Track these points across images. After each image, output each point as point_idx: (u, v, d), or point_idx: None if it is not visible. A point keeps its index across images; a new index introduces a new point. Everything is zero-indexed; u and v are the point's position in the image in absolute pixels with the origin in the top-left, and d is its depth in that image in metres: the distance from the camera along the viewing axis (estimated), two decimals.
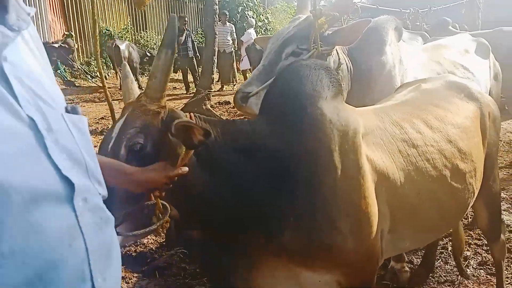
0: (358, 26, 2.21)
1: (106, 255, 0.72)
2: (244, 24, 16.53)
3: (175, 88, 13.71)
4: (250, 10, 17.65)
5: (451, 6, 9.02)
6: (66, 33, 13.08)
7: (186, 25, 11.10)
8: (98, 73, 13.52)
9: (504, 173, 4.79)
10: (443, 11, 7.81)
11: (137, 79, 13.02)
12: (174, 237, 1.51)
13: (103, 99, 11.17)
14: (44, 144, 0.63)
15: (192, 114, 1.43)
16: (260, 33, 16.01)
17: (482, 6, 9.77)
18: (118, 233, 1.14)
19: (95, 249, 0.68)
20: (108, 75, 14.13)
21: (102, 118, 8.47)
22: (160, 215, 1.26)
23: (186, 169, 1.27)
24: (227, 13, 12.19)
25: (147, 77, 12.51)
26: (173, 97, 11.54)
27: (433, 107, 1.97)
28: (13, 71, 0.62)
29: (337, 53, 2.36)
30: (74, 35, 13.57)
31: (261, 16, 17.90)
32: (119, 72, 12.38)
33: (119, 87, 12.45)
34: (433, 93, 2.10)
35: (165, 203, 1.27)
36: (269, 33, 18.73)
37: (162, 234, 1.34)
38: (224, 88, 12.13)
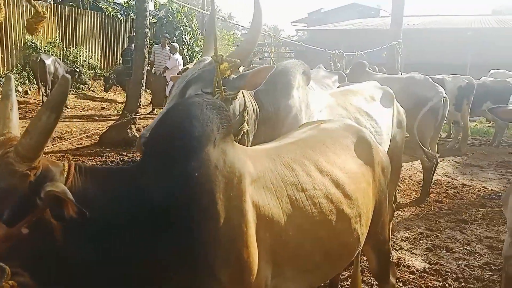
0: (262, 72, 2.23)
1: None
2: (181, 48, 16.48)
3: (103, 108, 13.26)
4: (187, 34, 17.56)
5: (375, 50, 9.61)
6: None
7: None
8: (16, 87, 12.82)
9: (410, 213, 5.05)
10: (369, 54, 8.28)
11: None
12: None
13: (20, 116, 10.50)
14: None
15: (73, 166, 1.33)
16: (197, 58, 15.97)
17: (402, 51, 10.56)
18: None
19: None
20: (30, 90, 13.39)
21: None
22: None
23: (26, 230, 1.15)
24: (168, 36, 12.02)
25: (74, 94, 11.89)
26: (101, 118, 11.13)
27: (326, 148, 2.00)
28: None
29: (243, 96, 2.37)
30: None
31: (198, 41, 17.86)
32: (41, 88, 11.78)
33: (40, 104, 11.83)
34: (329, 133, 2.15)
35: (3, 265, 1.13)
36: None
37: None
38: (155, 112, 11.89)
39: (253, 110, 2.47)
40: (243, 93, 2.38)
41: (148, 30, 7.76)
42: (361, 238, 2.02)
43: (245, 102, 2.37)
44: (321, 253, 1.82)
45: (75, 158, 6.77)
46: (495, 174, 7.13)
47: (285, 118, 2.59)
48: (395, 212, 4.91)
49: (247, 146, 2.42)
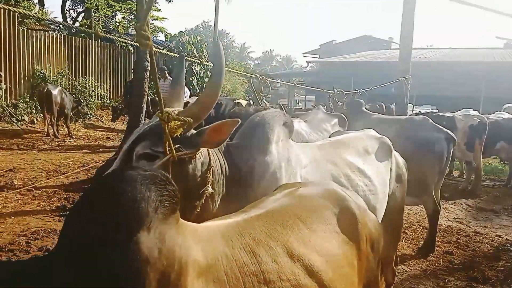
0: (223, 127, 1.92)
1: None
2: (191, 79, 16.45)
3: (108, 138, 13.10)
4: (197, 65, 17.61)
5: (382, 86, 9.26)
6: None
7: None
8: (23, 116, 12.80)
9: (417, 268, 4.59)
10: (375, 91, 7.94)
11: (67, 126, 12.42)
12: None
13: (22, 146, 10.37)
14: None
15: None
16: None
17: (414, 83, 10.23)
18: None
19: None
20: (36, 119, 13.37)
21: (10, 170, 7.66)
22: None
23: None
24: (165, 68, 11.92)
25: (81, 124, 11.85)
26: (104, 149, 10.92)
27: (299, 224, 1.65)
28: None
29: (208, 153, 2.05)
30: (3, 75, 12.86)
31: (208, 72, 17.86)
32: (47, 118, 11.73)
33: (45, 133, 11.73)
34: (306, 202, 1.79)
35: None
36: None
37: None
38: None
39: (221, 169, 2.13)
40: (208, 150, 2.05)
41: (148, 63, 7.59)
42: None
43: (209, 160, 2.04)
44: None
45: (66, 194, 6.50)
46: (510, 221, 6.62)
47: (261, 177, 2.24)
48: (400, 267, 4.49)
49: (212, 211, 2.08)
